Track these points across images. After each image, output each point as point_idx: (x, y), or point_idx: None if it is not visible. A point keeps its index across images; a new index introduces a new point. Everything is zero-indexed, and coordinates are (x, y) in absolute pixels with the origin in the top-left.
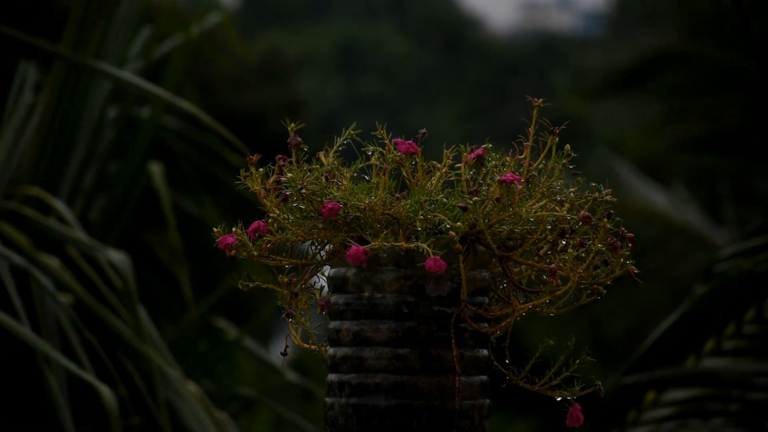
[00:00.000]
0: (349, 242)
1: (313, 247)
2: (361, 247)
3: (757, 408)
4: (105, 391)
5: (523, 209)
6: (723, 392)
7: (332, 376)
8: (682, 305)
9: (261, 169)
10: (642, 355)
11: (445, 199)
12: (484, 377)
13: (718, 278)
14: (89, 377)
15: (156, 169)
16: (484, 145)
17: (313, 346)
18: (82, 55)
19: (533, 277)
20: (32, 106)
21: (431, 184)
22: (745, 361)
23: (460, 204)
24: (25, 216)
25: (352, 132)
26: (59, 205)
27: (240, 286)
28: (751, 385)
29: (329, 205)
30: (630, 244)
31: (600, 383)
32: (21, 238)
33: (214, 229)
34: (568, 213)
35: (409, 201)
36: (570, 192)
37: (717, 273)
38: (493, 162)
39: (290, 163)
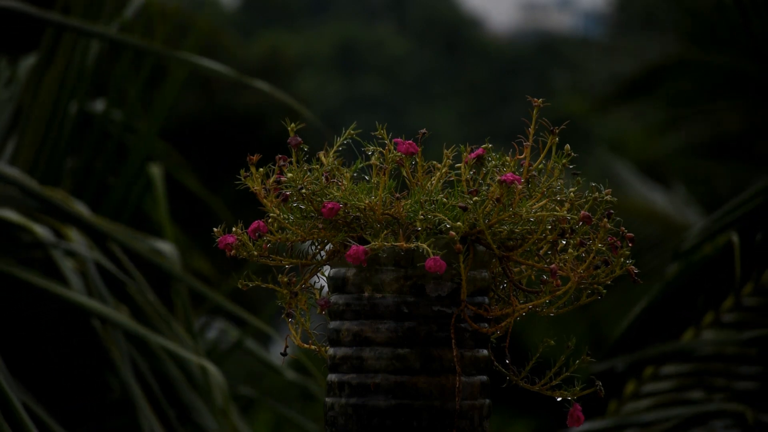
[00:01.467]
0: (349, 242)
1: (313, 247)
2: (361, 247)
3: (742, 397)
4: (211, 368)
5: (523, 209)
6: (707, 381)
7: (332, 376)
8: (651, 291)
9: (261, 169)
10: (617, 343)
11: (445, 199)
12: (484, 377)
13: (682, 262)
14: (189, 354)
15: (156, 170)
16: (484, 145)
17: (313, 346)
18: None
19: (533, 277)
20: (5, 101)
21: (431, 184)
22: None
23: (460, 204)
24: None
25: (352, 132)
26: (77, 204)
27: (240, 286)
28: (735, 374)
29: (329, 205)
30: (630, 244)
31: (601, 384)
32: (68, 231)
33: (215, 229)
34: (568, 213)
35: (409, 201)
36: (570, 192)
37: (683, 254)
38: (493, 162)
39: (290, 163)
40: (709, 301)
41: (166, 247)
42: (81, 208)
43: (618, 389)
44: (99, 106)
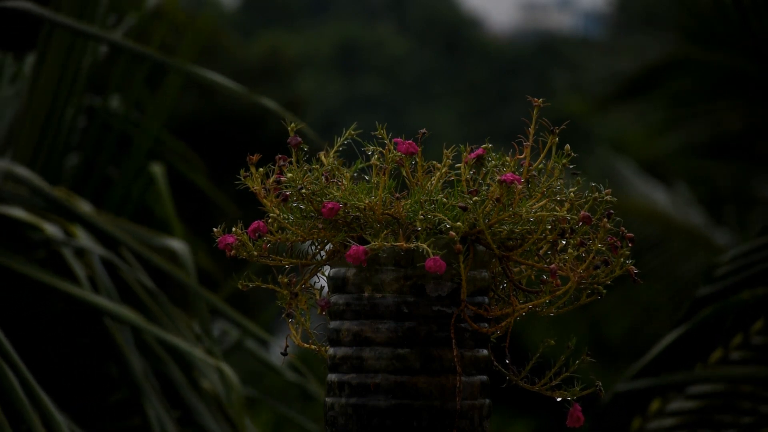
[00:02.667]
0: (349, 242)
1: (313, 247)
2: (361, 247)
3: None
4: (227, 369)
5: (523, 209)
6: (733, 404)
7: (332, 376)
8: (684, 323)
9: (261, 169)
10: (645, 366)
11: (445, 199)
12: (484, 377)
13: (717, 305)
14: (202, 354)
15: (158, 169)
16: (484, 145)
17: (313, 346)
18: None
19: (533, 277)
20: (11, 97)
21: (431, 184)
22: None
23: (460, 204)
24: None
25: (352, 132)
26: (81, 202)
27: (240, 287)
28: (762, 398)
29: (329, 205)
30: (630, 244)
31: (600, 384)
32: (72, 229)
33: (214, 229)
34: (568, 213)
35: (409, 201)
36: (570, 192)
37: (718, 278)
38: (493, 162)
39: (290, 163)
40: (738, 323)
41: (177, 244)
42: (85, 207)
43: (642, 406)
44: (104, 103)
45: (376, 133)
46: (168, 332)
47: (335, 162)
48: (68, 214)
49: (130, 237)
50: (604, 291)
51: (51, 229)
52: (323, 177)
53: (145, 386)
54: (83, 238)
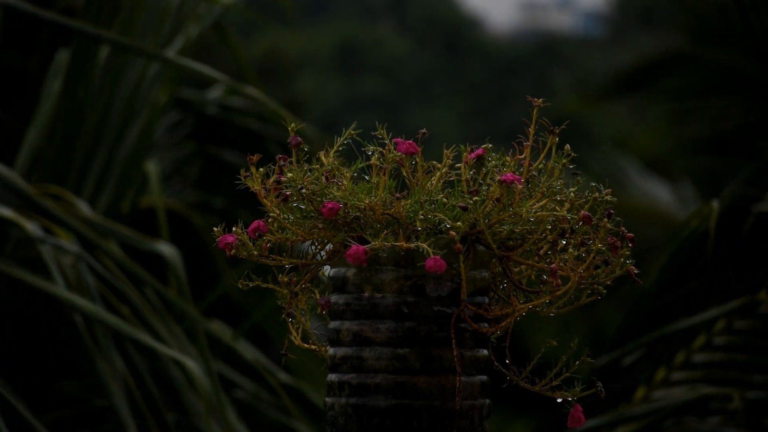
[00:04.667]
0: (349, 242)
1: (313, 247)
2: (361, 247)
3: (756, 406)
4: (190, 364)
5: (524, 209)
6: (720, 391)
7: (332, 376)
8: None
9: (261, 169)
10: (621, 331)
11: (445, 199)
12: (484, 377)
13: (672, 241)
14: (171, 352)
15: (152, 168)
16: (484, 145)
17: (313, 346)
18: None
19: (533, 277)
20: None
21: (431, 184)
22: (738, 357)
23: (461, 204)
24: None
25: (352, 132)
26: (80, 203)
27: (240, 286)
28: (748, 383)
29: (329, 205)
30: (630, 244)
31: (601, 384)
32: (64, 234)
33: (215, 229)
34: (568, 213)
35: (409, 201)
36: (570, 192)
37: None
38: (493, 162)
39: (290, 162)
40: (720, 308)
41: (166, 248)
42: (82, 207)
43: (627, 395)
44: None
45: (376, 133)
46: (149, 332)
47: (335, 162)
48: (46, 214)
49: (116, 239)
50: (605, 291)
51: (30, 227)
52: (323, 177)
53: (112, 386)
54: (67, 238)
